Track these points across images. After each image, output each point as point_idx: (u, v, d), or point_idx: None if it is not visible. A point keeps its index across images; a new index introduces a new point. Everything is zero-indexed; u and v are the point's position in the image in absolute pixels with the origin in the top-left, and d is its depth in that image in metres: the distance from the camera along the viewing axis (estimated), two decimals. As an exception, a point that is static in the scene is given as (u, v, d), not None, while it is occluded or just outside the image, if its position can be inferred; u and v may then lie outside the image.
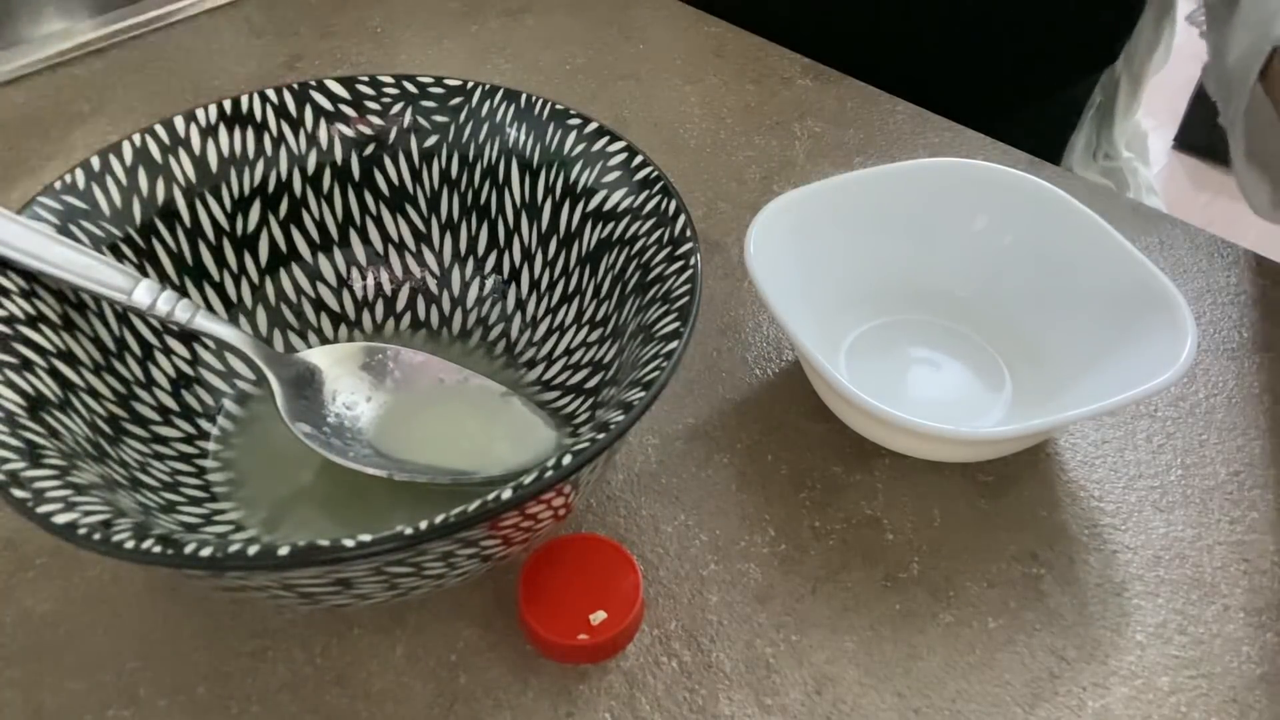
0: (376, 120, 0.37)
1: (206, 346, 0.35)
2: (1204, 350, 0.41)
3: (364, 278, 0.38)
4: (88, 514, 0.24)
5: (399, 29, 0.58)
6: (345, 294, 0.38)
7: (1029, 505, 0.36)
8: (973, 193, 0.40)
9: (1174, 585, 0.33)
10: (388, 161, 0.37)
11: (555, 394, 0.36)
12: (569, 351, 0.36)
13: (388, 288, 0.38)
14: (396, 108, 0.36)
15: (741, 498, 0.35)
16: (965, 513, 0.35)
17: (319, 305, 0.38)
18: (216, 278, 0.36)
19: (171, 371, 0.34)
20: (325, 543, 0.23)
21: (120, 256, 0.33)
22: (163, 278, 0.34)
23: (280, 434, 0.32)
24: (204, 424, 0.34)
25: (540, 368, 0.36)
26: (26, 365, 0.29)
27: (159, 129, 0.34)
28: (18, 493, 0.24)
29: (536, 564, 0.31)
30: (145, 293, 0.31)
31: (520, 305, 0.38)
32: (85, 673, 0.30)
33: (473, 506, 0.24)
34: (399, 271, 0.38)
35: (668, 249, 0.32)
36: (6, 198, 0.46)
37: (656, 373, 0.27)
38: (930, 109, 0.53)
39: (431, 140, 0.37)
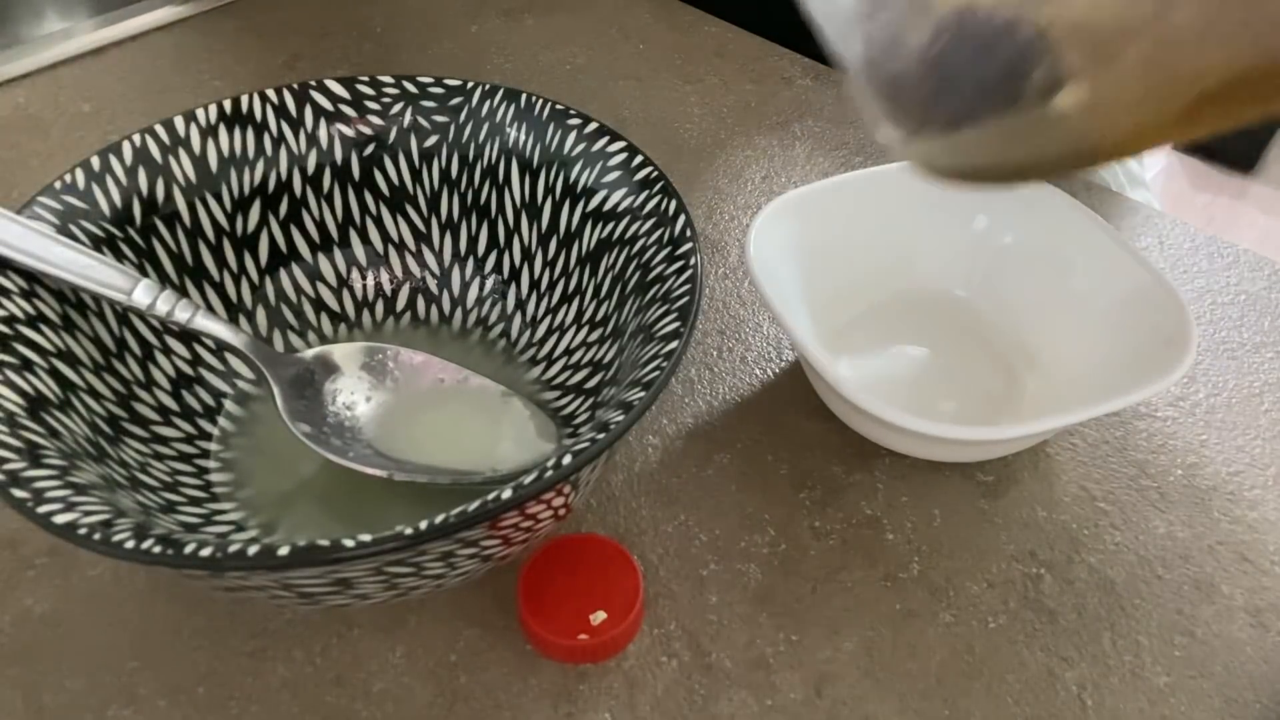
0: (376, 120, 0.37)
1: (206, 346, 0.35)
2: (1204, 350, 0.41)
3: (364, 278, 0.38)
4: (88, 514, 0.24)
5: (399, 29, 0.58)
6: (345, 294, 0.38)
7: (1029, 505, 0.36)
8: (973, 193, 0.40)
9: (1174, 585, 0.33)
10: (388, 161, 0.37)
11: (555, 394, 0.36)
12: (569, 351, 0.36)
13: (388, 287, 0.38)
14: (396, 108, 0.36)
15: (741, 498, 0.35)
16: (965, 513, 0.35)
17: (319, 305, 0.38)
18: (216, 278, 0.36)
19: (171, 371, 0.34)
20: (325, 543, 0.23)
21: (120, 256, 0.33)
22: (163, 278, 0.34)
23: (280, 434, 0.32)
24: (204, 424, 0.34)
25: (540, 367, 0.37)
26: (26, 365, 0.29)
27: (159, 129, 0.34)
28: (18, 493, 0.24)
29: (536, 564, 0.31)
30: (145, 293, 0.31)
31: (520, 305, 0.38)
32: (85, 673, 0.30)
33: (473, 506, 0.24)
34: (399, 271, 0.38)
35: (668, 249, 0.32)
36: (6, 198, 0.46)
37: (656, 373, 0.27)
38: (930, 109, 0.53)
39: (431, 140, 0.37)
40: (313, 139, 0.36)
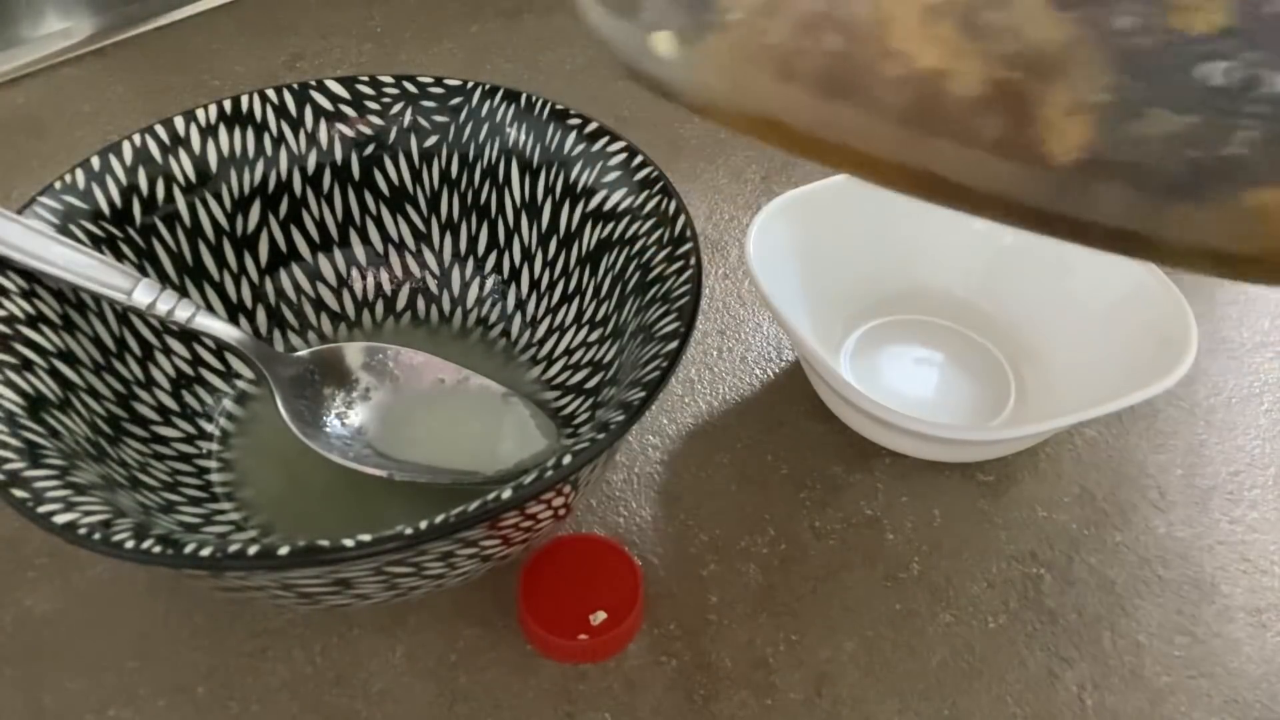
0: (376, 120, 0.37)
1: (206, 346, 0.35)
2: (1204, 350, 0.41)
3: (364, 277, 0.38)
4: (88, 514, 0.24)
5: (399, 29, 0.58)
6: (345, 294, 0.38)
7: (1029, 505, 0.36)
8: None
9: (1174, 585, 0.33)
10: (388, 161, 0.37)
11: (555, 394, 0.36)
12: (569, 351, 0.36)
13: (388, 287, 0.38)
14: (396, 108, 0.36)
15: (741, 498, 0.35)
16: (965, 513, 0.35)
17: (319, 305, 0.38)
18: (216, 278, 0.36)
19: (171, 371, 0.34)
20: (325, 543, 0.23)
21: (120, 256, 0.33)
22: (163, 278, 0.34)
23: (280, 434, 0.32)
24: (204, 424, 0.34)
25: (540, 367, 0.37)
26: (26, 365, 0.29)
27: (159, 129, 0.34)
28: (18, 493, 0.24)
29: (536, 564, 0.31)
30: (145, 293, 0.31)
31: (520, 305, 0.38)
32: (85, 673, 0.30)
33: (473, 506, 0.24)
34: (399, 271, 0.38)
35: (668, 249, 0.32)
36: (6, 198, 0.46)
37: (656, 373, 0.27)
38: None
39: (431, 140, 0.37)
40: (313, 139, 0.36)
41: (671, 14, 0.18)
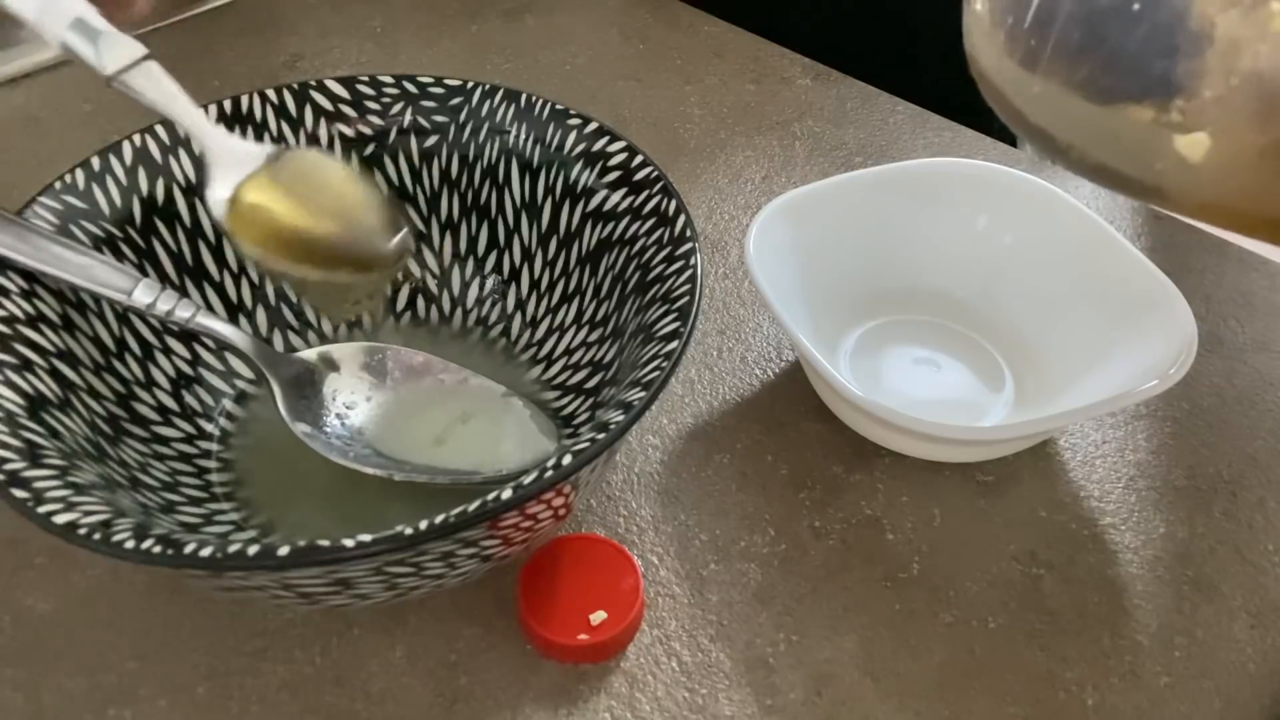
0: (376, 120, 0.37)
1: (206, 346, 0.35)
2: (1204, 350, 0.41)
3: (364, 278, 0.38)
4: (88, 514, 0.24)
5: (399, 29, 0.58)
6: (345, 294, 0.38)
7: (1029, 505, 0.36)
8: (973, 193, 0.40)
9: (1174, 585, 0.33)
10: (388, 161, 0.37)
11: (555, 394, 0.36)
12: (569, 351, 0.36)
13: (388, 288, 0.38)
14: (396, 108, 0.36)
15: (741, 498, 0.35)
16: (965, 513, 0.35)
17: (319, 305, 0.38)
18: (216, 278, 0.36)
19: (171, 371, 0.34)
20: (325, 543, 0.23)
21: (120, 256, 0.33)
22: (163, 278, 0.34)
23: (280, 434, 0.32)
24: (204, 424, 0.34)
25: (540, 367, 0.37)
26: (26, 365, 0.29)
27: (159, 129, 0.34)
28: (18, 493, 0.24)
29: (536, 564, 0.31)
30: (145, 293, 0.31)
31: (520, 305, 0.38)
32: (85, 673, 0.30)
33: (473, 506, 0.24)
34: (399, 271, 0.38)
35: (668, 249, 0.32)
36: (6, 198, 0.46)
37: (656, 373, 0.27)
38: (930, 109, 0.53)
39: (431, 140, 0.37)
40: (313, 139, 0.36)
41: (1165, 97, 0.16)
